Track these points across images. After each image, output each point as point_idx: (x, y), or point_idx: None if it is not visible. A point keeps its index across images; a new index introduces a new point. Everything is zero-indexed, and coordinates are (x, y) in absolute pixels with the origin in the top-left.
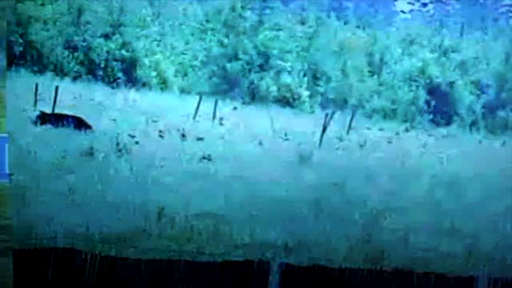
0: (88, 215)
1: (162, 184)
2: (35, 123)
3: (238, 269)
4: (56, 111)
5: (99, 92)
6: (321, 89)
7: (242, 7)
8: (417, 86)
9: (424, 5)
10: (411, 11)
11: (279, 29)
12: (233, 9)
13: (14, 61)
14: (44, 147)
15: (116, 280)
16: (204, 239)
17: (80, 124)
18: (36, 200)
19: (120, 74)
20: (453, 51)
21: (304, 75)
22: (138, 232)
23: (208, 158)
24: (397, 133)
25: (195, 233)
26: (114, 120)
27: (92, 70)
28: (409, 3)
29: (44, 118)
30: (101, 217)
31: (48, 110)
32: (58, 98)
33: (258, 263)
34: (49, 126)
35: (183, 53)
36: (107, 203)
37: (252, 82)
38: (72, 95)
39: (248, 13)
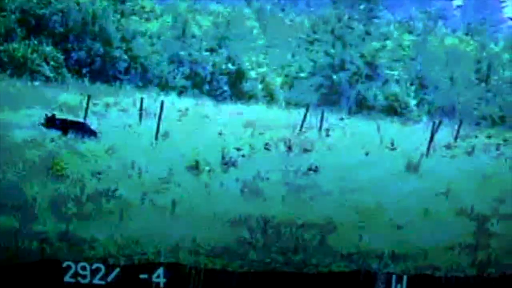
0: (193, 228)
1: (268, 196)
2: (42, 125)
3: (344, 279)
4: (161, 125)
5: (205, 105)
6: (428, 98)
7: (349, 18)
8: None
9: None
10: None
11: (386, 39)
12: (339, 19)
13: (118, 76)
14: (149, 161)
15: None
16: (310, 250)
17: (85, 130)
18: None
19: (226, 88)
20: None
21: (412, 84)
22: (244, 244)
23: (314, 169)
24: (505, 140)
25: (301, 244)
26: (220, 133)
27: (198, 84)
28: None
29: (51, 122)
30: (206, 230)
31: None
32: (164, 112)
33: (364, 273)
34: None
35: (289, 65)
36: (213, 216)
37: (359, 93)
38: (177, 109)
39: (355, 23)
